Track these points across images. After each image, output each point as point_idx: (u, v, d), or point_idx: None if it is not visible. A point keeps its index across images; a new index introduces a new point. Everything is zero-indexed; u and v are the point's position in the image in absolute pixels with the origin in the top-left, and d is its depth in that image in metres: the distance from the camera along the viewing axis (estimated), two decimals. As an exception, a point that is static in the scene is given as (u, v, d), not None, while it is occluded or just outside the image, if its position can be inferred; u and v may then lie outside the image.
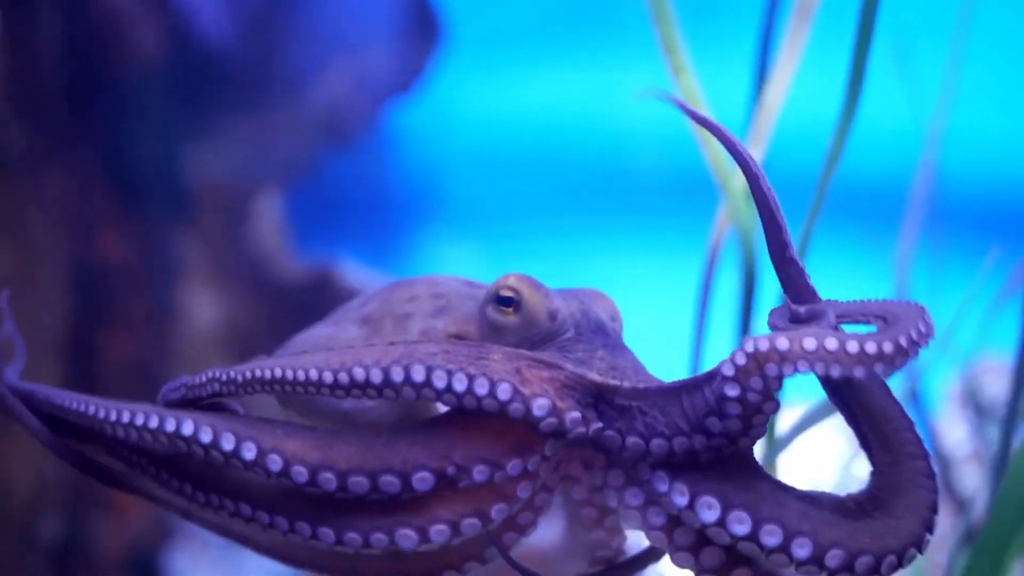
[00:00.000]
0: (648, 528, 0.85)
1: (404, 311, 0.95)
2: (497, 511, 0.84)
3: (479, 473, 0.83)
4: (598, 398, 0.85)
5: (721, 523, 0.81)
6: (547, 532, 0.93)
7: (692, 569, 0.85)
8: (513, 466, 0.83)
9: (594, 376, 0.85)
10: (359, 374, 0.84)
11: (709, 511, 0.81)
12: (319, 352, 0.88)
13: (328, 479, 0.82)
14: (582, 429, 0.83)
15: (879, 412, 0.84)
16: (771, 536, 0.80)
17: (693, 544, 0.84)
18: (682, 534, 0.84)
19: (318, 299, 3.39)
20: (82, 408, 0.91)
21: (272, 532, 0.85)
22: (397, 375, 0.83)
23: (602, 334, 0.90)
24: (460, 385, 0.83)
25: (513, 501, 0.84)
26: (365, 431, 0.87)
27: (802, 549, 0.79)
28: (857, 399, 0.85)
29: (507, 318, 0.90)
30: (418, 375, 0.83)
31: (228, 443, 0.84)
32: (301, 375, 0.85)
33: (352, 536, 0.83)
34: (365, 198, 3.86)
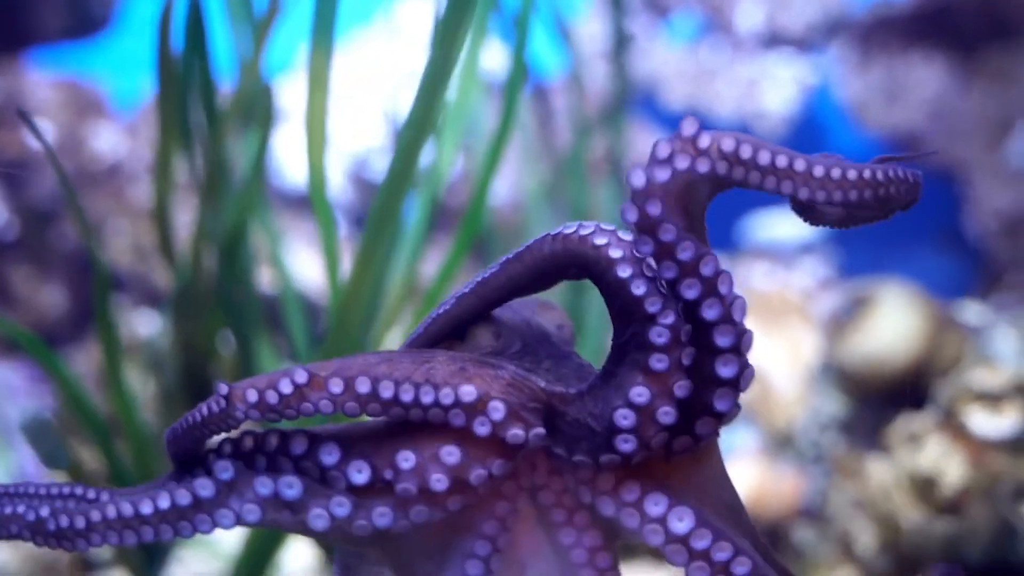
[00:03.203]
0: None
1: None
2: (416, 512, 0.80)
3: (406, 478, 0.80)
4: (548, 407, 0.81)
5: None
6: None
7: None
8: (437, 480, 0.80)
9: (539, 381, 0.82)
10: (286, 387, 0.80)
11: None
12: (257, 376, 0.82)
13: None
14: (517, 431, 0.80)
15: None
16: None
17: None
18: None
19: None
20: None
21: None
22: (336, 386, 0.79)
23: (547, 343, 0.88)
24: (407, 396, 0.79)
25: (439, 509, 0.81)
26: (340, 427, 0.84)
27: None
28: None
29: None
30: (363, 387, 0.79)
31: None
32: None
33: None
34: None
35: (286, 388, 0.79)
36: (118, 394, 1.54)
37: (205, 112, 1.50)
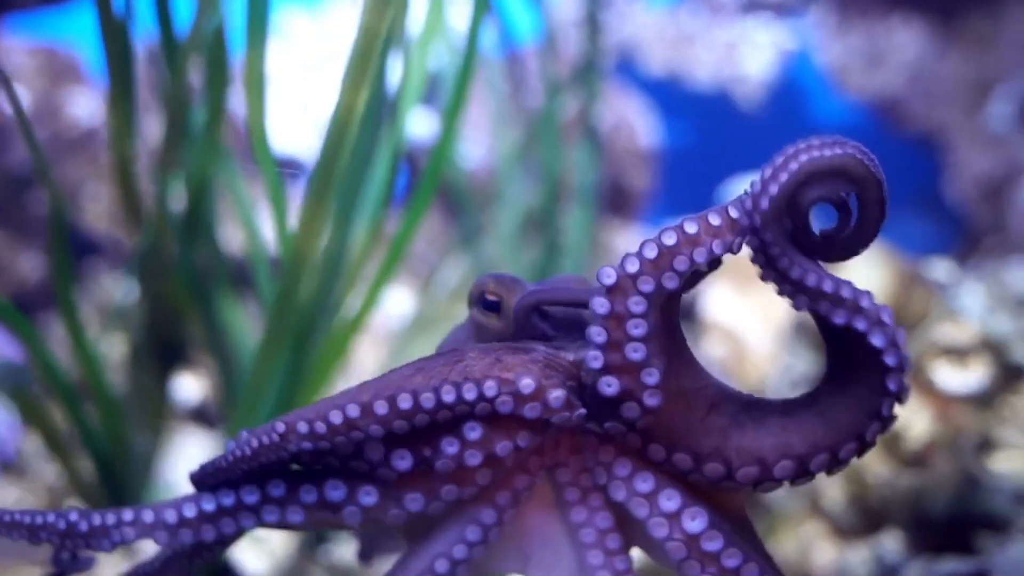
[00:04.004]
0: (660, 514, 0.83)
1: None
2: (447, 492, 0.83)
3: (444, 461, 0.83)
4: (580, 383, 0.83)
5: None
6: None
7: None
8: (471, 455, 0.82)
9: (570, 355, 0.84)
10: (336, 418, 0.82)
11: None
12: (302, 409, 0.85)
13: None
14: (566, 413, 0.82)
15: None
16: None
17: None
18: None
19: None
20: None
21: None
22: (381, 408, 0.81)
23: (580, 325, 0.89)
24: (449, 396, 0.81)
25: (468, 484, 0.83)
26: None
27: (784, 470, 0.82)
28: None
29: (491, 320, 0.92)
30: (405, 403, 0.81)
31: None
32: (279, 428, 0.83)
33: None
34: None
35: (336, 419, 0.81)
36: (84, 357, 1.54)
37: (166, 60, 1.49)
